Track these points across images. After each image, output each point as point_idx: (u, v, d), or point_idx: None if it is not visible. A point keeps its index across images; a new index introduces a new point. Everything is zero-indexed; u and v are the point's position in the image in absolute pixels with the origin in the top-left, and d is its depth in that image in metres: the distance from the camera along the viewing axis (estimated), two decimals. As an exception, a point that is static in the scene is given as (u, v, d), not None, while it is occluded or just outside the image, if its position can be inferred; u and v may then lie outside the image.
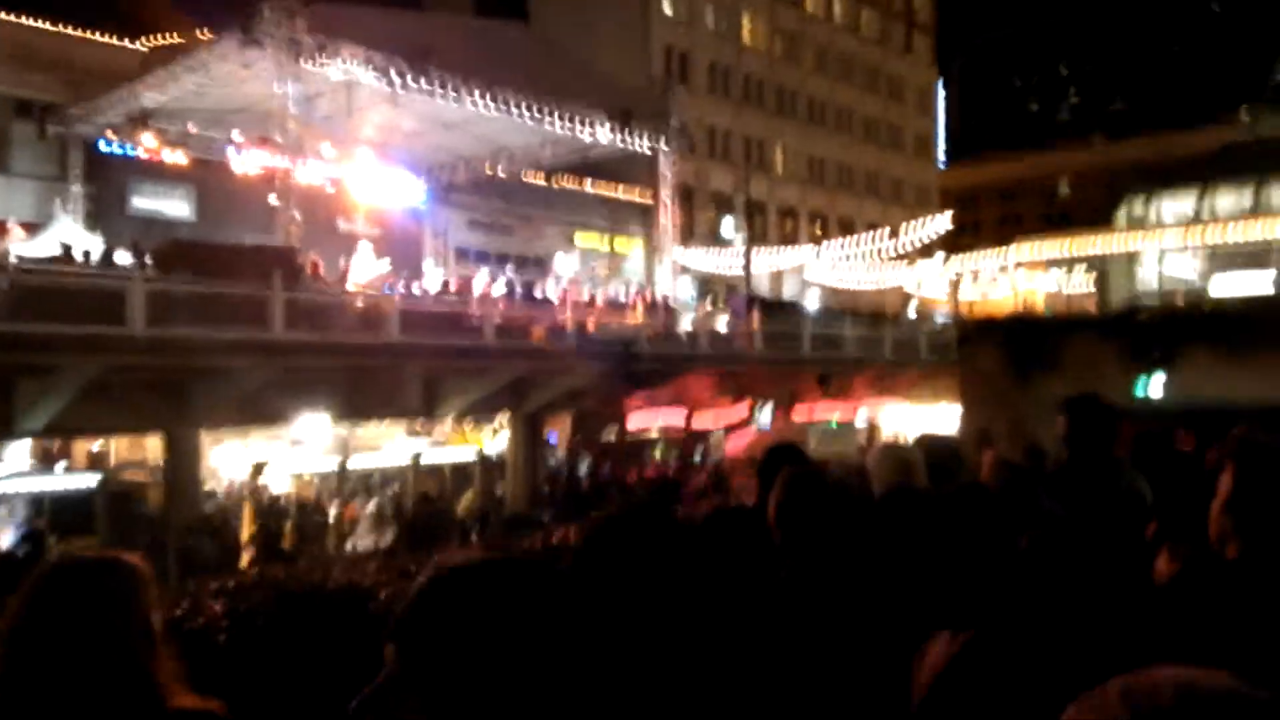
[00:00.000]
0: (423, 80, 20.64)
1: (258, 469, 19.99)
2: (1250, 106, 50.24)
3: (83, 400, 15.38)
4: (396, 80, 20.39)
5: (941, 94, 65.60)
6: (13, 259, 17.19)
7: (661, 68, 43.32)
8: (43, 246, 19.51)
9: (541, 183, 33.97)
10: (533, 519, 19.42)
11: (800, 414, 28.34)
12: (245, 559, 16.97)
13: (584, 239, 37.36)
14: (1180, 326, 26.81)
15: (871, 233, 44.10)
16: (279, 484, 20.30)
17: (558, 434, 25.61)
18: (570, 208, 36.72)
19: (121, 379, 15.74)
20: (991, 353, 30.11)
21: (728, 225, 38.30)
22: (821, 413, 28.93)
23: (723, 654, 1.93)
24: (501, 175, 29.89)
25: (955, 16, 76.99)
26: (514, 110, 22.68)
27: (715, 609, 1.98)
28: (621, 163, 30.38)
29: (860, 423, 31.09)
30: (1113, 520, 3.59)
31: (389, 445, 22.65)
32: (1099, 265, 35.49)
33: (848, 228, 52.87)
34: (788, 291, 43.84)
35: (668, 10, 44.96)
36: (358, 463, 21.91)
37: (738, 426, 27.24)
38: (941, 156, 67.55)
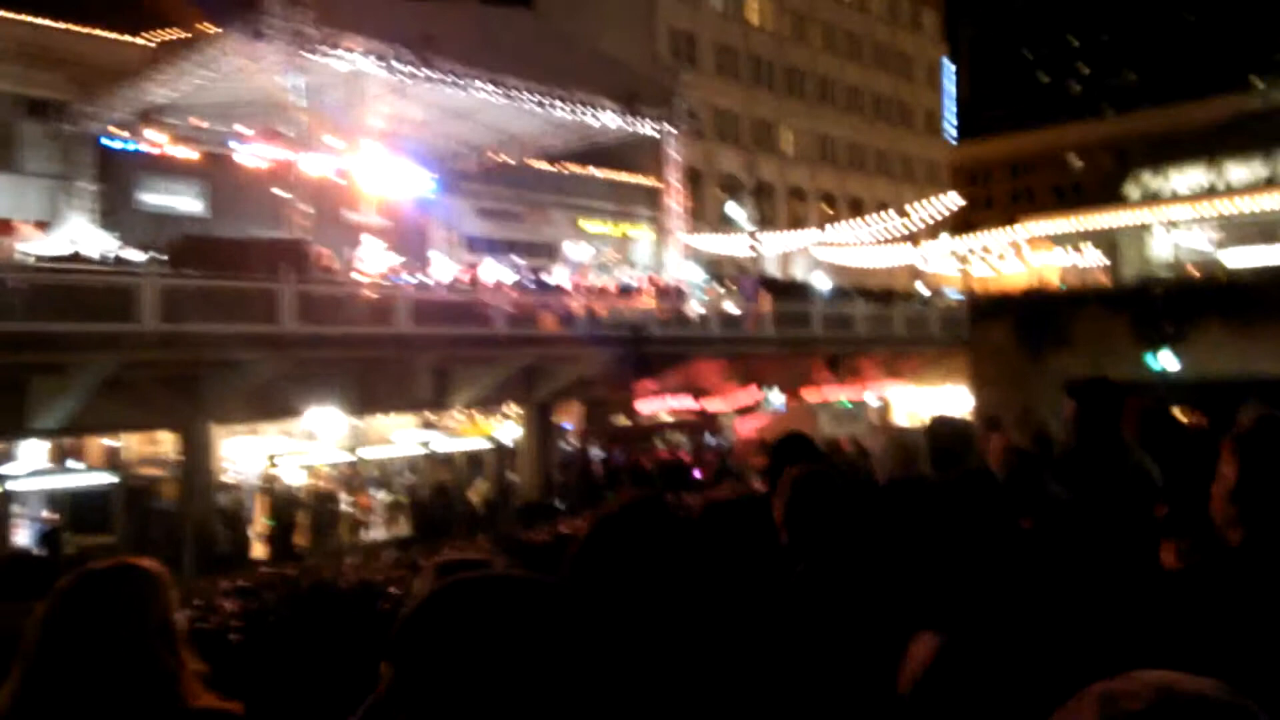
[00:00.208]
0: (428, 69, 20.59)
1: (272, 462, 20.12)
2: (1262, 76, 49.73)
3: (97, 398, 15.47)
4: (402, 70, 20.34)
5: (950, 69, 65.13)
6: (24, 258, 17.31)
7: (667, 50, 43.12)
8: (54, 245, 19.59)
9: (549, 169, 33.91)
10: (546, 506, 19.50)
11: (811, 395, 28.29)
12: (259, 552, 17.11)
13: (592, 225, 37.31)
14: (1193, 299, 26.71)
15: (880, 213, 43.94)
16: (293, 476, 20.42)
17: (570, 422, 25.67)
18: (578, 194, 36.66)
19: (134, 375, 15.81)
20: (1003, 329, 30.09)
21: (736, 208, 38.18)
22: (832, 394, 28.87)
23: (730, 656, 1.93)
24: (509, 163, 29.85)
25: (962, -9, 76.39)
26: (520, 97, 22.63)
27: (718, 610, 1.97)
28: (629, 147, 30.29)
29: (872, 403, 31.02)
30: (1121, 503, 3.58)
31: (401, 436, 22.74)
32: (1110, 239, 35.25)
33: (858, 207, 52.68)
34: (797, 272, 43.73)
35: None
36: (370, 454, 22.02)
37: (749, 409, 27.22)
38: (952, 132, 67.13)
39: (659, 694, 1.72)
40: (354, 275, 20.75)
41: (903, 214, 44.20)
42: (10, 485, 16.77)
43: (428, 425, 23.36)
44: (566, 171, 35.24)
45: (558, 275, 26.28)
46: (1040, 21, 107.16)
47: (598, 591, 1.82)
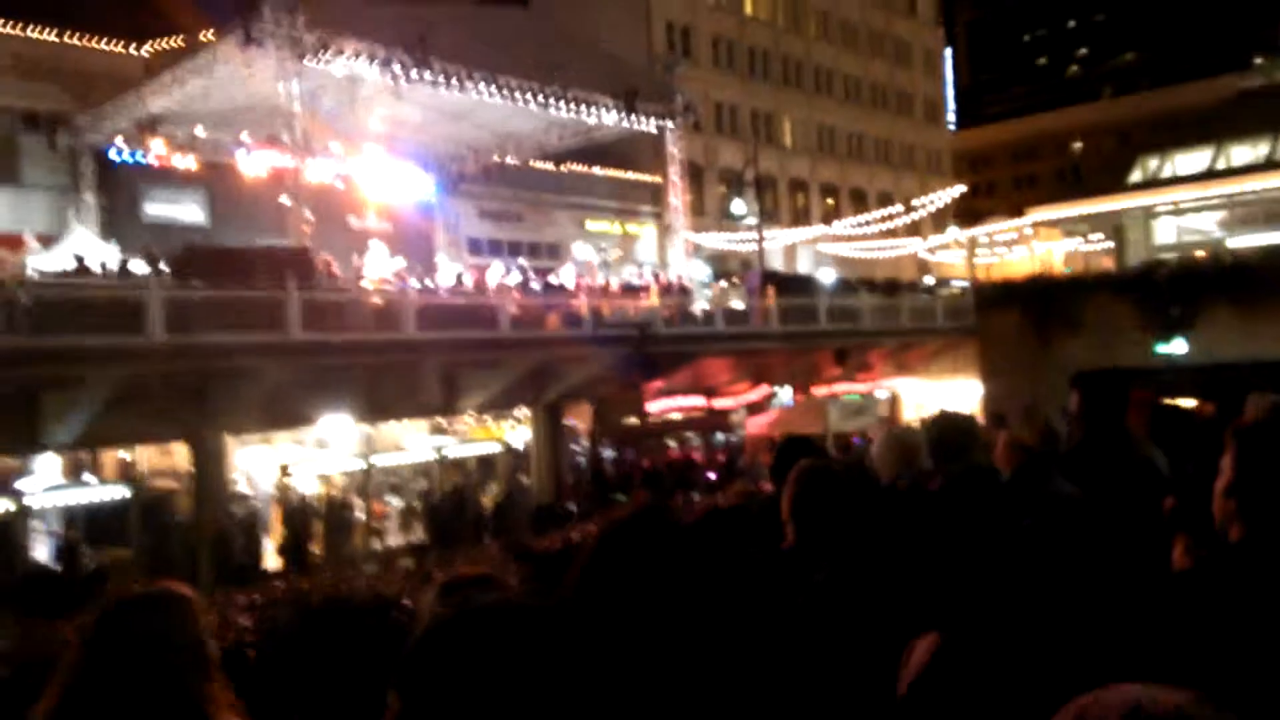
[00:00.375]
0: (424, 71, 20.59)
1: (285, 471, 20.18)
2: (1265, 55, 49.48)
3: (108, 410, 15.53)
4: (398, 72, 20.35)
5: (947, 54, 64.94)
6: (30, 272, 17.36)
7: (664, 44, 43.06)
8: (58, 258, 19.65)
9: (550, 168, 33.92)
10: (559, 510, 19.54)
11: (820, 390, 28.27)
12: (275, 562, 17.17)
13: (595, 223, 37.32)
14: (1199, 283, 26.61)
15: (884, 210, 43.90)
16: (306, 485, 20.48)
17: (580, 423, 25.71)
18: (580, 192, 36.66)
19: (145, 387, 15.87)
20: (1011, 317, 30.03)
21: (738, 202, 38.11)
22: (841, 389, 28.84)
23: (748, 672, 1.93)
24: (510, 163, 29.86)
25: (959, -24, 76.13)
26: (518, 96, 22.61)
27: (730, 624, 1.97)
28: (630, 144, 30.29)
29: (881, 395, 31.00)
30: (1128, 498, 3.58)
31: (413, 442, 22.79)
32: (1115, 223, 35.14)
33: (860, 198, 52.59)
34: (802, 265, 43.68)
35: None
36: (383, 460, 22.06)
37: (758, 405, 27.22)
38: (952, 119, 66.95)
39: (672, 713, 1.72)
40: (359, 281, 20.78)
41: (906, 203, 44.16)
42: (26, 501, 16.84)
43: (439, 430, 23.40)
44: (567, 170, 35.24)
45: (562, 275, 26.31)
46: (1037, 3, 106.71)
47: (605, 607, 1.82)
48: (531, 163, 31.44)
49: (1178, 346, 26.28)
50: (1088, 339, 26.84)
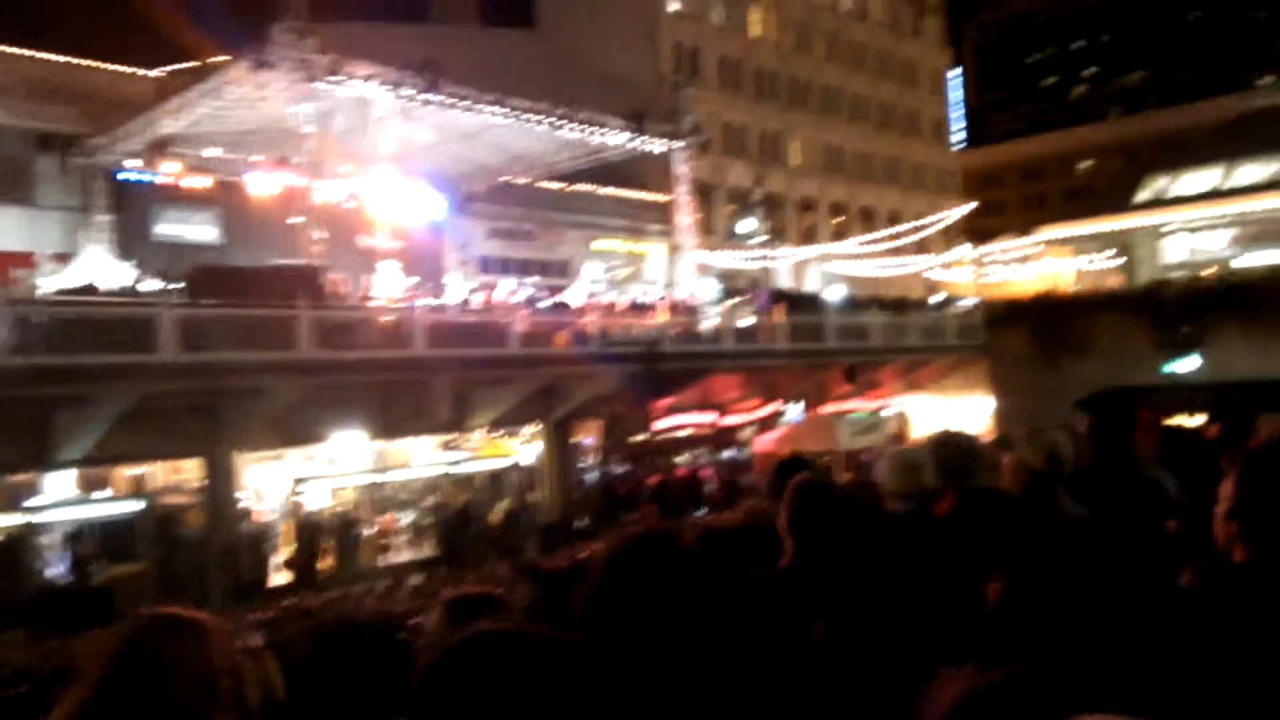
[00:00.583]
0: (433, 93, 20.75)
1: (295, 488, 20.25)
2: (1270, 74, 49.51)
3: (120, 427, 15.63)
4: (407, 95, 20.52)
5: (955, 75, 65.11)
6: (43, 291, 17.52)
7: (671, 66, 43.29)
8: (71, 277, 19.82)
9: (559, 186, 34.07)
10: (567, 528, 19.55)
11: (829, 408, 28.24)
12: (284, 578, 17.19)
13: (604, 242, 37.43)
14: (1208, 301, 26.56)
15: (893, 229, 43.94)
16: (317, 501, 20.53)
17: (589, 439, 25.72)
18: (589, 212, 36.79)
19: (157, 404, 15.97)
20: (1020, 336, 30.00)
21: (746, 221, 38.24)
22: (850, 406, 28.81)
23: (761, 701, 1.93)
24: (519, 183, 30.01)
25: (966, -3, 76.39)
26: (527, 118, 22.77)
27: (740, 652, 1.96)
28: (639, 163, 30.42)
29: (891, 413, 30.94)
30: (1133, 520, 3.60)
31: (423, 458, 22.83)
32: (1124, 242, 35.12)
33: (868, 217, 52.64)
34: (811, 284, 43.72)
35: (674, 6, 44.86)
36: (393, 477, 22.11)
37: (767, 422, 27.20)
38: (960, 138, 67.08)
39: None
40: (369, 300, 20.89)
41: (914, 224, 44.22)
42: (39, 516, 16.93)
43: (449, 447, 23.45)
44: (577, 190, 35.39)
45: (571, 293, 26.37)
46: (1044, 24, 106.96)
47: (613, 634, 1.83)
48: (541, 182, 31.61)
49: (1187, 365, 26.22)
50: (1097, 357, 26.79)
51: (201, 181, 24.34)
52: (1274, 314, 24.94)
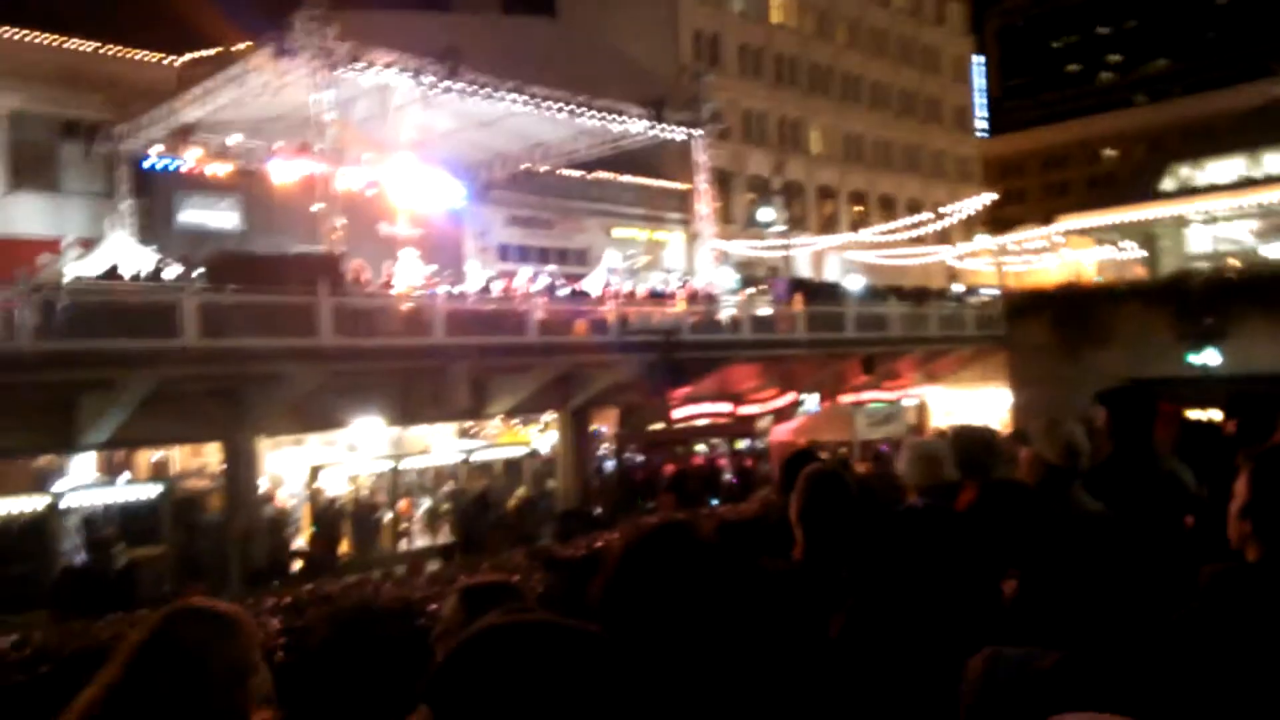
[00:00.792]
0: (454, 81, 20.77)
1: (315, 474, 20.40)
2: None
3: (143, 412, 15.77)
4: (428, 82, 20.55)
5: (977, 62, 64.54)
6: (68, 277, 17.69)
7: (691, 53, 43.13)
8: (95, 263, 20.00)
9: (579, 174, 34.07)
10: (584, 516, 19.62)
11: (847, 398, 28.17)
12: (303, 563, 17.33)
13: (623, 229, 37.42)
14: (1232, 293, 26.26)
15: (913, 217, 43.67)
16: (336, 487, 20.69)
17: (606, 427, 25.78)
18: (608, 199, 36.78)
19: (178, 390, 16.11)
20: (1041, 326, 29.77)
21: (766, 210, 38.09)
22: (868, 397, 28.72)
23: (781, 694, 1.94)
24: (539, 170, 30.03)
25: (990, -17, 75.67)
26: (546, 106, 22.76)
27: (760, 644, 1.96)
28: (658, 151, 30.38)
29: (909, 404, 30.83)
30: (1151, 514, 3.59)
31: (441, 445, 22.96)
32: (1147, 232, 34.76)
33: (888, 205, 52.38)
34: (830, 273, 43.57)
35: (695, -7, 44.68)
36: (411, 464, 22.24)
37: (784, 412, 27.16)
38: (983, 126, 66.52)
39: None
40: (389, 287, 20.97)
41: (935, 211, 43.94)
42: (61, 500, 17.14)
43: (467, 434, 23.57)
44: (596, 178, 35.37)
45: (590, 282, 26.38)
46: (1069, 9, 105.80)
47: (630, 625, 1.84)
48: (560, 170, 31.61)
49: (1210, 357, 25.96)
50: (1118, 349, 26.57)
51: (223, 168, 24.50)
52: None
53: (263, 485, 18.94)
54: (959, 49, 61.21)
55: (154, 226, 24.39)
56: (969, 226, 49.61)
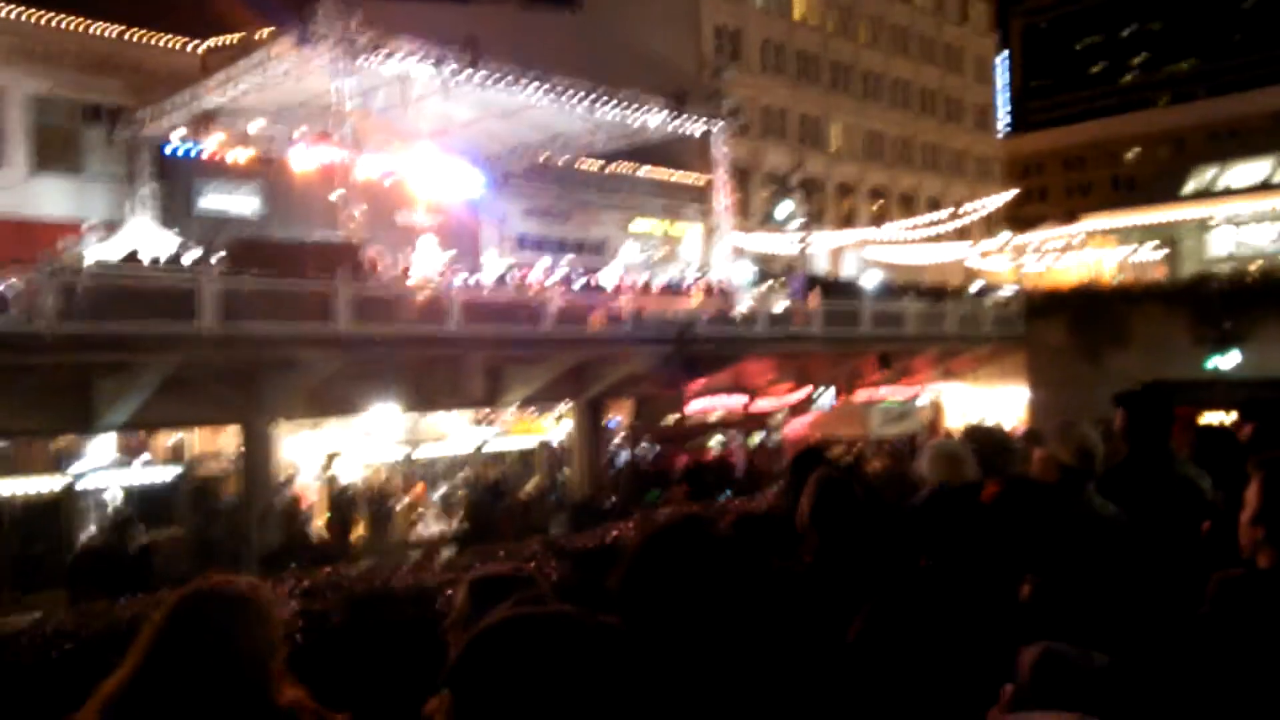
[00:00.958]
0: (475, 72, 20.81)
1: (330, 459, 20.52)
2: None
3: (161, 395, 15.89)
4: (448, 72, 20.58)
5: (1001, 60, 64.13)
6: (88, 260, 17.82)
7: (712, 47, 43.02)
8: (116, 247, 20.15)
9: (597, 166, 34.05)
10: (596, 507, 19.67)
11: (862, 395, 28.11)
12: (318, 548, 17.45)
13: (641, 222, 37.40)
14: (1252, 296, 26.06)
15: (933, 214, 43.47)
16: (351, 473, 20.80)
17: (620, 419, 25.81)
18: (626, 192, 36.74)
19: (197, 374, 16.23)
20: (1060, 326, 29.63)
21: (784, 205, 38.00)
22: (884, 393, 28.64)
23: (800, 690, 1.95)
24: (557, 162, 30.03)
25: (1014, -19, 75.07)
26: (566, 98, 22.76)
27: (777, 641, 1.97)
28: (677, 144, 30.31)
29: (924, 401, 30.73)
30: (1166, 519, 3.58)
31: (455, 434, 23.05)
32: (1169, 234, 34.52)
33: (908, 203, 52.14)
34: (848, 270, 43.43)
35: (717, -13, 44.53)
36: (425, 451, 22.34)
37: (799, 407, 27.14)
38: (1005, 124, 66.10)
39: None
40: (407, 276, 21.05)
41: (954, 209, 43.73)
42: (80, 481, 17.31)
43: (481, 423, 23.65)
44: (614, 170, 35.34)
45: (606, 274, 26.40)
46: (1094, 9, 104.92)
47: (646, 616, 1.85)
48: (579, 162, 31.59)
49: (1229, 360, 25.80)
50: (1137, 350, 26.43)
51: (244, 154, 24.62)
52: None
53: (279, 470, 19.06)
54: (982, 48, 60.80)
55: (174, 211, 24.53)
56: (989, 225, 49.36)
